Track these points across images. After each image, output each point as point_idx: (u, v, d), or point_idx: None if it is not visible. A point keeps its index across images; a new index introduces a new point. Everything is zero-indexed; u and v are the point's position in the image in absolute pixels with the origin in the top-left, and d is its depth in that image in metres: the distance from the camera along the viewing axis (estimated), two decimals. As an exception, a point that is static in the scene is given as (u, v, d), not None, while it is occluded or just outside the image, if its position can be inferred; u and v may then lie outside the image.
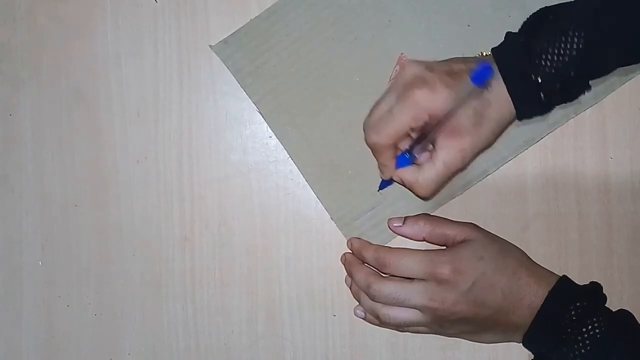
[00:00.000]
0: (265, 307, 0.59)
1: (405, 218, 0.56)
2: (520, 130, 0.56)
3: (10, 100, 0.60)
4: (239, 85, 0.59)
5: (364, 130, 0.53)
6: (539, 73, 0.49)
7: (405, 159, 0.53)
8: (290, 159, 0.59)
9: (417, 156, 0.52)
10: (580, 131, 0.58)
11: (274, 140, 0.59)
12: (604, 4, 0.49)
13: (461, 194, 0.58)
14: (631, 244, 0.58)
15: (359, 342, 0.59)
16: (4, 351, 0.60)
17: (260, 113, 0.59)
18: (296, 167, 0.59)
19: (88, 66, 0.60)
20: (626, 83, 0.57)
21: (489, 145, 0.52)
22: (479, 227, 0.55)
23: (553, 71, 0.49)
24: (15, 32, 0.60)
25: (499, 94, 0.50)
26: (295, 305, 0.59)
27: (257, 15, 0.58)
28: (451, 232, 0.54)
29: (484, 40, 0.53)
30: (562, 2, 0.51)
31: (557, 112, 0.56)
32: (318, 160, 0.58)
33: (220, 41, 0.59)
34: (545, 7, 0.51)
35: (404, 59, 0.58)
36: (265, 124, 0.59)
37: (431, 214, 0.57)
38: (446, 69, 0.50)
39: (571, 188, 0.58)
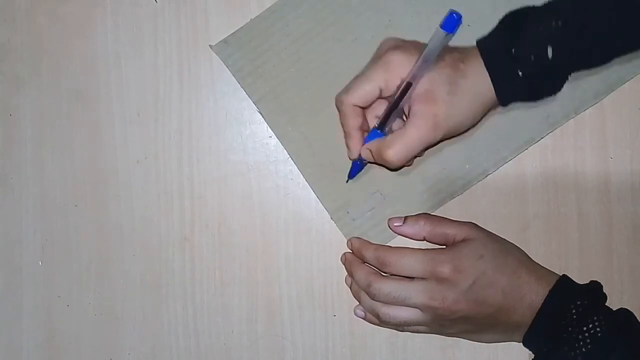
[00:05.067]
0: (265, 307, 0.59)
1: (406, 217, 0.56)
2: (520, 130, 0.57)
3: (10, 100, 0.60)
4: (239, 85, 0.59)
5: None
6: (514, 46, 0.50)
7: (377, 133, 0.53)
8: (290, 159, 0.59)
9: (389, 128, 0.52)
10: (580, 131, 0.58)
11: (274, 140, 0.59)
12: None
13: (461, 194, 0.58)
14: (631, 244, 0.58)
15: (359, 342, 0.59)
16: (4, 351, 0.60)
17: (260, 113, 0.59)
18: (296, 167, 0.59)
19: (88, 66, 0.60)
20: (626, 83, 0.57)
21: (465, 120, 0.52)
22: (478, 226, 0.55)
23: (530, 45, 0.50)
24: (15, 32, 0.60)
25: (475, 67, 0.51)
26: (295, 305, 0.59)
27: (257, 15, 0.58)
28: (451, 232, 0.54)
29: (484, 40, 0.54)
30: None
31: (557, 112, 0.57)
32: (318, 160, 0.58)
33: (220, 41, 0.59)
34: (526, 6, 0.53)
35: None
36: (265, 124, 0.59)
37: (431, 213, 0.57)
38: (422, 44, 0.52)
39: (571, 188, 0.58)
